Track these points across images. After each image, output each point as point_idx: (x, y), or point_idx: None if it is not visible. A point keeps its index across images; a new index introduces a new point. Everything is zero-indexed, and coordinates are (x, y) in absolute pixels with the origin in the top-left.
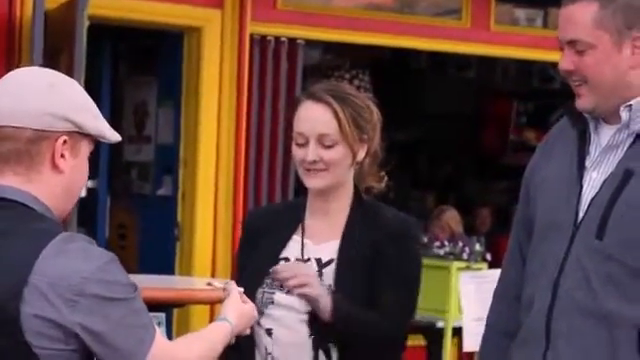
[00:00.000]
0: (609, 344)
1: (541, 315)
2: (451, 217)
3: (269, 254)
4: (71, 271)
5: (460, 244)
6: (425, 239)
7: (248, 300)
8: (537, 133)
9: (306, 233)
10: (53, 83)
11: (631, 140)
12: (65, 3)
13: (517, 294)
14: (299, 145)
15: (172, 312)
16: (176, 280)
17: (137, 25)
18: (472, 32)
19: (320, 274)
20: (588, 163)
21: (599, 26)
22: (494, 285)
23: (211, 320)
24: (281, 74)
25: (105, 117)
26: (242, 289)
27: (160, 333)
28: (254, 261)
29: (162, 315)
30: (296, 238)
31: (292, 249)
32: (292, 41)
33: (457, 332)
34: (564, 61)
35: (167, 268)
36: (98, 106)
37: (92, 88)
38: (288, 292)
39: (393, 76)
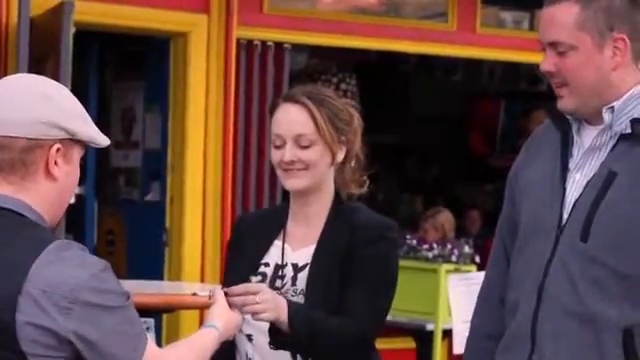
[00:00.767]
0: (595, 346)
1: (526, 318)
2: (446, 219)
3: (251, 259)
4: (65, 279)
5: (449, 246)
6: (414, 241)
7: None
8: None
9: (287, 238)
10: (45, 91)
11: (614, 141)
12: (51, 9)
13: (501, 296)
14: (277, 147)
15: (161, 318)
16: (165, 285)
17: (123, 31)
18: (458, 35)
19: (295, 279)
20: (571, 165)
21: (580, 27)
22: None
23: (200, 325)
24: (268, 78)
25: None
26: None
27: (151, 341)
28: (237, 266)
29: (151, 321)
30: (277, 243)
31: (273, 254)
32: (279, 45)
33: (447, 334)
34: (545, 62)
35: (156, 273)
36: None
37: (79, 94)
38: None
39: (380, 79)
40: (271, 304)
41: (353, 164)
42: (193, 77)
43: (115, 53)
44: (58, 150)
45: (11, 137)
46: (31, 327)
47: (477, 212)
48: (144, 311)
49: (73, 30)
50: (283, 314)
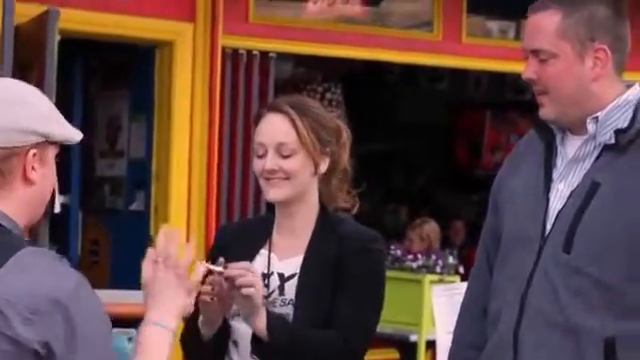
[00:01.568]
0: (577, 357)
1: (509, 328)
2: (432, 230)
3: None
4: (32, 288)
5: (433, 257)
6: (399, 252)
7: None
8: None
9: (272, 248)
10: (15, 96)
11: (598, 152)
12: (36, 17)
13: (484, 307)
14: (259, 156)
15: None
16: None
17: (109, 39)
18: (444, 44)
19: (282, 288)
20: (555, 175)
21: (562, 36)
22: None
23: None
24: (253, 88)
25: None
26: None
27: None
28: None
29: (133, 331)
30: (263, 252)
31: (259, 263)
32: (264, 54)
33: (431, 345)
34: (527, 70)
35: (140, 283)
36: (70, 121)
37: (64, 103)
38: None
39: (365, 88)
40: (262, 290)
41: (341, 177)
42: (178, 86)
43: (100, 61)
44: (35, 155)
45: None
46: None
47: (461, 223)
48: (127, 321)
49: (58, 38)
50: (262, 311)
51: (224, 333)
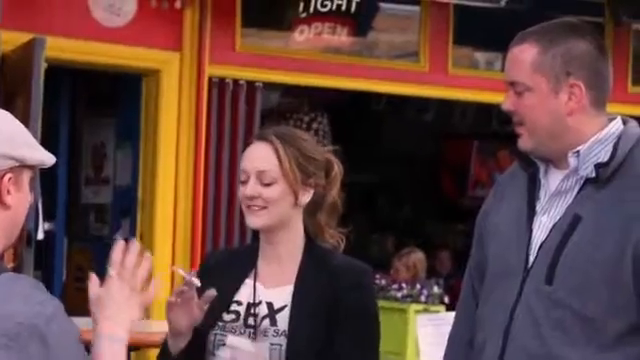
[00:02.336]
0: None
1: None
2: (418, 259)
3: (222, 296)
4: (9, 314)
5: (418, 286)
6: (383, 281)
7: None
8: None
9: (258, 277)
10: None
11: (580, 185)
12: (22, 45)
13: (471, 338)
14: (242, 182)
15: (129, 355)
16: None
17: (95, 67)
18: (430, 75)
19: (273, 319)
20: (538, 208)
21: (537, 70)
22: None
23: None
24: (239, 117)
25: (63, 159)
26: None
27: None
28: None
29: None
30: (248, 282)
31: (244, 293)
32: (250, 84)
33: None
34: (506, 101)
35: None
36: (56, 148)
37: (50, 130)
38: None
39: (352, 118)
40: None
41: (328, 212)
42: (165, 114)
43: (87, 89)
44: (10, 179)
45: None
46: None
47: (447, 253)
48: None
49: (45, 66)
50: None
51: (196, 351)
